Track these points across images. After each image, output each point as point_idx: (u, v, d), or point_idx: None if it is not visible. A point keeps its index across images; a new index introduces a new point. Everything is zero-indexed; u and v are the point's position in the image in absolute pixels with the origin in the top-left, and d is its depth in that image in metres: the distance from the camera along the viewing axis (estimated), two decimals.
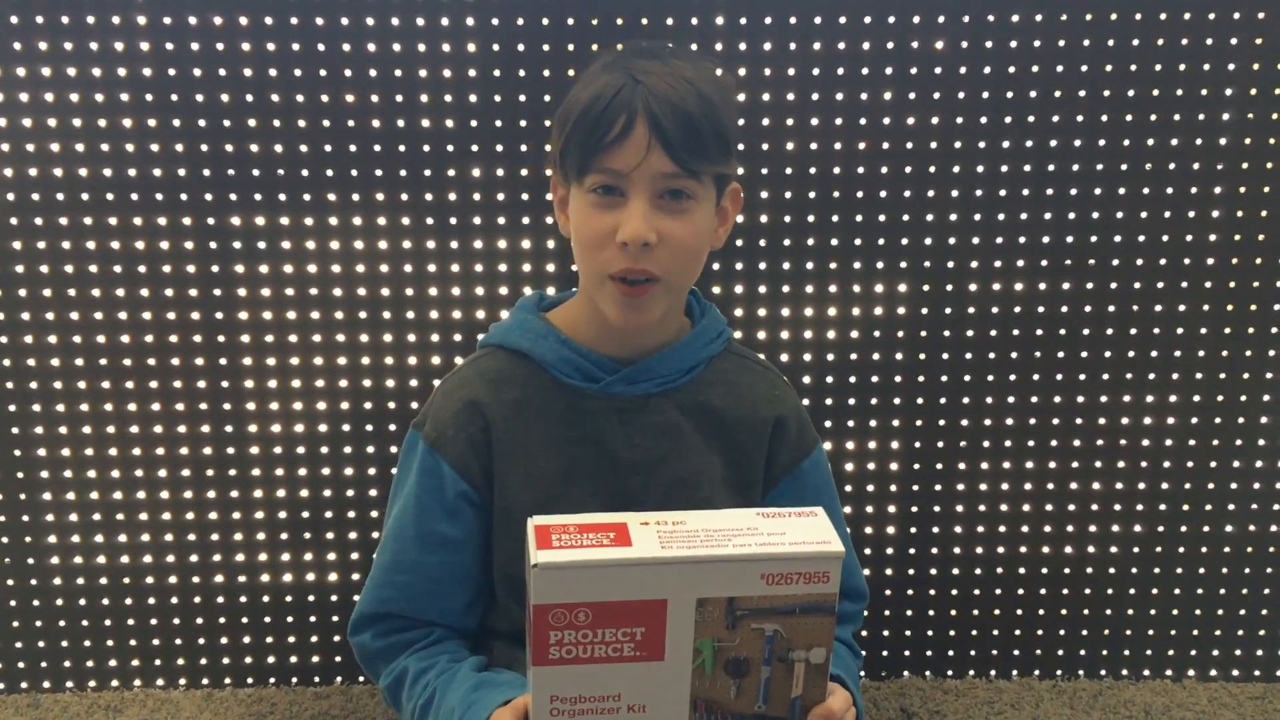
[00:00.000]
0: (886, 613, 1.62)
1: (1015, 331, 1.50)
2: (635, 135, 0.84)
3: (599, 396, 0.95)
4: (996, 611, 1.61)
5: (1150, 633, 1.62)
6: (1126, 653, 1.63)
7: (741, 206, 1.01)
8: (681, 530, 0.70)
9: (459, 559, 0.96)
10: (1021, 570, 1.60)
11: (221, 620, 1.58)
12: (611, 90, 0.85)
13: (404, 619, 0.97)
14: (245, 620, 1.58)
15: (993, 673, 1.64)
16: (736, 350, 1.04)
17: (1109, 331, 1.50)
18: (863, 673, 1.63)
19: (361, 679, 1.61)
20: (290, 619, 1.58)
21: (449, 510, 0.95)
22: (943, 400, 1.53)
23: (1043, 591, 1.60)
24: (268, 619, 1.58)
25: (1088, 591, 1.60)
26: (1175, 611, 1.61)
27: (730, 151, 0.90)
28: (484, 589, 1.00)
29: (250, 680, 1.61)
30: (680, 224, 0.87)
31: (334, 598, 1.58)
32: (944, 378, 1.52)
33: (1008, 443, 1.55)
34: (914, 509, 1.57)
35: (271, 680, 1.61)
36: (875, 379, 1.52)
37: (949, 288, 1.49)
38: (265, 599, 1.58)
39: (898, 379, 1.52)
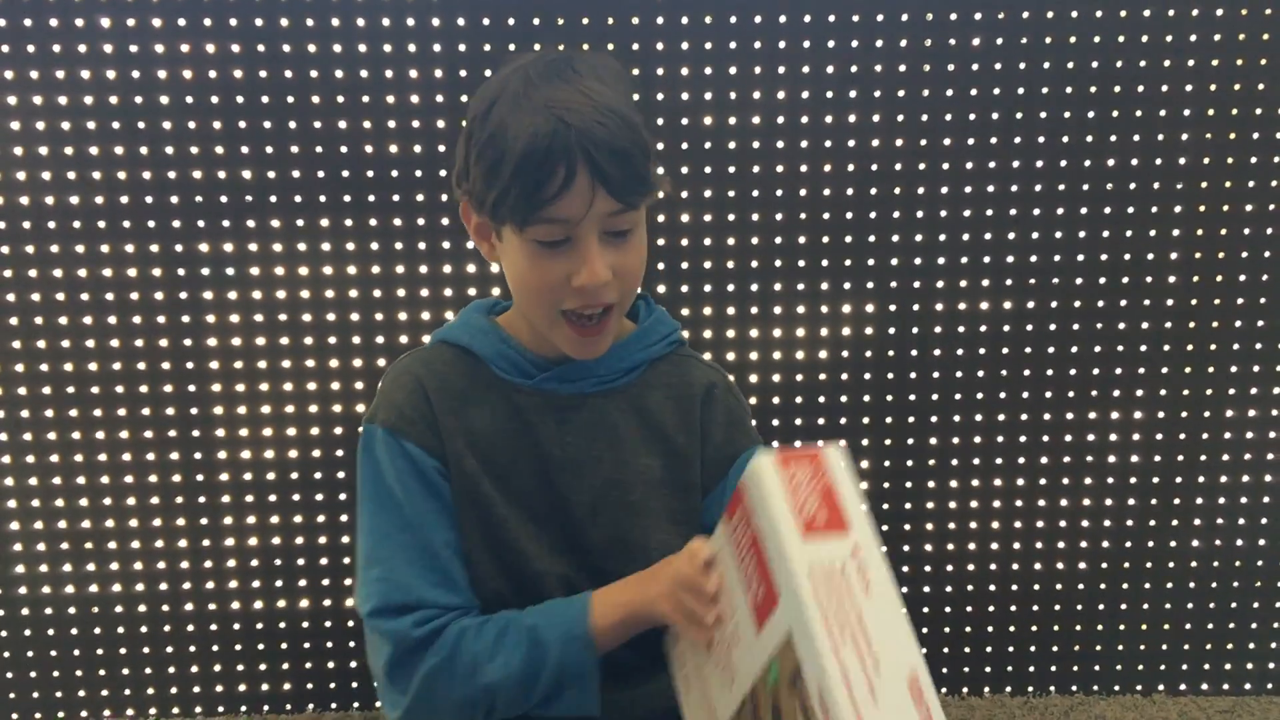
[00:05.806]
0: None
1: (981, 350, 1.52)
2: (579, 184, 0.84)
3: (534, 392, 0.96)
4: (967, 629, 1.62)
5: (1120, 648, 1.63)
6: (1097, 668, 1.64)
7: None
8: (855, 617, 0.64)
9: (457, 534, 0.93)
10: (991, 587, 1.60)
11: (191, 649, 1.57)
12: (544, 139, 0.83)
13: (436, 607, 0.91)
14: (216, 648, 1.57)
15: (965, 690, 1.64)
16: (685, 353, 1.03)
17: (1074, 349, 1.52)
18: None
19: (334, 705, 1.60)
20: (261, 646, 1.57)
21: (430, 485, 0.93)
22: (911, 419, 1.54)
23: (1013, 608, 1.61)
24: (238, 646, 1.57)
25: (1057, 608, 1.61)
26: (1144, 627, 1.62)
27: (654, 166, 0.90)
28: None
29: (221, 709, 1.59)
30: (628, 252, 0.89)
31: (305, 624, 1.57)
32: (912, 396, 1.53)
33: (976, 460, 1.56)
34: (884, 527, 1.58)
35: (243, 708, 1.59)
36: (844, 398, 1.53)
37: (915, 307, 1.50)
38: (236, 626, 1.56)
39: (866, 398, 1.53)
